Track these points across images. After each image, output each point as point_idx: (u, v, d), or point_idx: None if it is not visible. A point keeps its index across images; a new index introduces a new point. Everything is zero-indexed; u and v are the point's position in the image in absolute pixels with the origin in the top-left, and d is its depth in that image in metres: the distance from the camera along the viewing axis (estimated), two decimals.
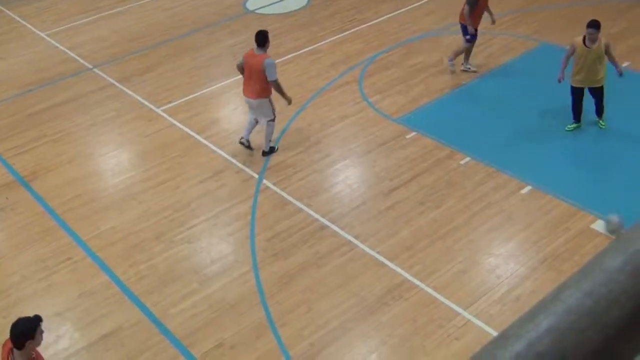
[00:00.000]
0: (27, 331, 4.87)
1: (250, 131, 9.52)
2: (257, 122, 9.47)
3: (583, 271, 1.05)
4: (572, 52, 9.27)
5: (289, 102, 9.45)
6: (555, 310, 0.98)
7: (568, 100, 10.09)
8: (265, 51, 9.17)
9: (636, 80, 10.77)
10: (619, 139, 9.38)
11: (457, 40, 12.20)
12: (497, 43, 12.05)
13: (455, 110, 10.35)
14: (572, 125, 9.65)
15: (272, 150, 9.57)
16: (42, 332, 4.97)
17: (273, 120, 9.36)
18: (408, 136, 9.70)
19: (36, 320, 4.93)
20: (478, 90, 10.79)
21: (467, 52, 11.10)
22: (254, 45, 9.21)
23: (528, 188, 8.51)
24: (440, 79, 11.07)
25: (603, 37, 9.22)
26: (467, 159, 9.12)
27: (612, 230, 7.20)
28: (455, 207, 8.31)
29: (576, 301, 0.99)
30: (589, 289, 1.01)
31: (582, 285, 1.02)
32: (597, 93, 9.45)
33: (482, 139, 9.57)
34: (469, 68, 11.19)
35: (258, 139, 9.59)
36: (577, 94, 9.44)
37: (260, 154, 9.47)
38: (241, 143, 9.53)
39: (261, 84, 9.02)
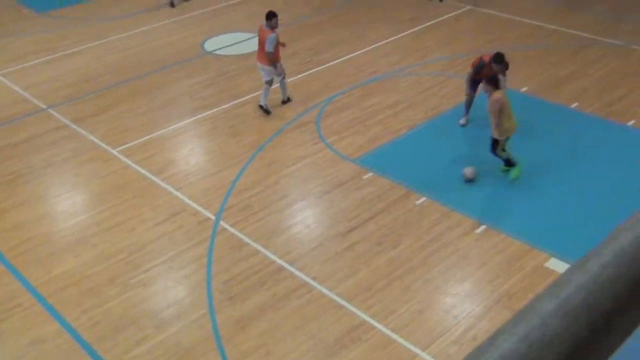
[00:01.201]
0: None
1: (266, 96, 11.47)
2: (271, 83, 11.42)
3: (518, 316, 1.06)
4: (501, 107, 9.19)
5: (278, 74, 11.30)
6: (490, 356, 0.99)
7: (517, 140, 10.32)
8: (272, 27, 11.09)
9: (585, 121, 11.10)
10: (569, 178, 9.60)
11: (414, 81, 12.47)
12: (451, 84, 12.31)
13: (411, 150, 10.49)
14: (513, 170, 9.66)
15: (289, 99, 11.84)
16: None
17: (284, 77, 11.57)
18: (365, 176, 9.78)
19: None
20: (433, 131, 10.97)
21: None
22: (264, 22, 11.07)
23: (482, 227, 8.63)
24: (396, 120, 11.23)
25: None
26: (423, 198, 9.22)
27: (468, 180, 9.52)
28: (412, 246, 8.36)
29: (510, 346, 1.00)
30: (524, 333, 1.02)
31: (517, 329, 1.03)
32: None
33: (437, 179, 9.70)
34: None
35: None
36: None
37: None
38: (260, 107, 11.51)
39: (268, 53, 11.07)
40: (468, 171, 9.60)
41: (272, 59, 11.08)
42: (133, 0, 17.24)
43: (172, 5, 16.79)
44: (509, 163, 9.63)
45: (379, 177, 9.74)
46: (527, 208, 9.06)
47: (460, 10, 15.77)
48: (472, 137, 10.76)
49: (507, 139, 9.41)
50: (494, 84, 9.17)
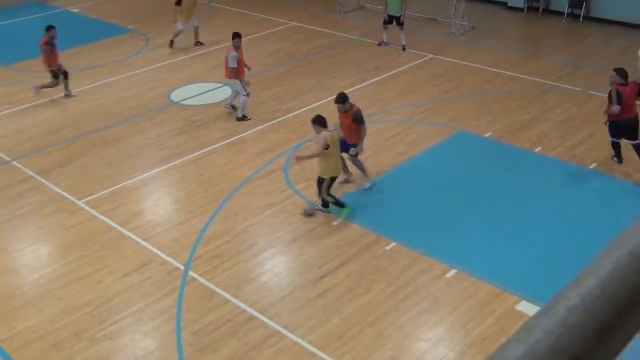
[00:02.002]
0: None
1: (233, 98, 13.30)
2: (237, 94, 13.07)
3: None
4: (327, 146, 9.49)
5: (243, 89, 12.85)
6: None
7: (484, 184, 10.52)
8: (235, 47, 12.82)
9: (549, 165, 11.34)
10: (536, 221, 9.75)
11: (380, 128, 12.63)
12: (416, 131, 12.51)
13: (379, 196, 10.56)
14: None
15: (244, 118, 13.07)
16: None
17: (247, 95, 12.91)
18: (335, 223, 9.79)
19: None
20: (401, 177, 11.08)
21: None
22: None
23: (453, 272, 8.67)
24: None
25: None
26: (394, 244, 9.25)
27: (306, 214, 9.99)
28: (384, 292, 8.34)
29: None
30: None
31: None
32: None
33: (406, 225, 9.76)
34: None
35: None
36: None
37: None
38: (240, 118, 13.00)
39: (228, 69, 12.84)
40: (307, 208, 10.04)
41: (236, 73, 12.82)
42: (97, 53, 17.27)
43: (171, 45, 17.18)
44: (326, 205, 9.94)
45: (348, 223, 9.76)
46: (496, 251, 9.15)
47: (422, 60, 16.13)
48: (441, 183, 10.89)
49: (331, 180, 9.76)
50: (324, 125, 9.63)
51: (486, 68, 15.50)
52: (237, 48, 12.83)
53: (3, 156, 12.10)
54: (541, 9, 19.46)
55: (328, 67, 15.84)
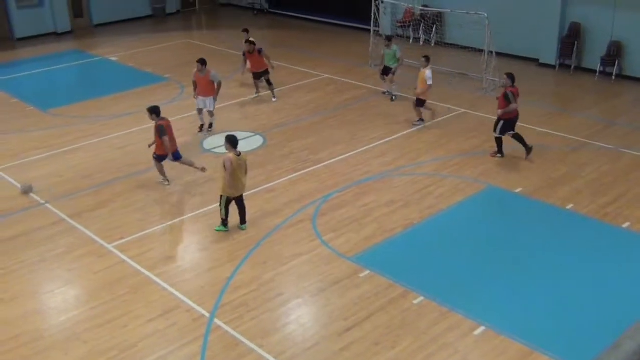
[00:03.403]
0: None
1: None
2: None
3: None
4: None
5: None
6: None
7: (514, 240, 10.39)
8: (207, 70, 14.89)
9: (581, 223, 11.18)
10: (568, 280, 9.56)
11: (409, 181, 12.62)
12: (447, 185, 12.47)
13: (408, 249, 10.48)
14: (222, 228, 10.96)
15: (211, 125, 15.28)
16: None
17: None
18: (362, 275, 9.72)
19: None
20: (430, 230, 11.01)
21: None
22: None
23: (481, 329, 8.50)
24: (392, 219, 11.28)
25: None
26: (421, 298, 9.13)
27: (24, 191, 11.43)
28: (410, 347, 8.19)
29: None
30: None
31: None
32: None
33: (434, 278, 9.64)
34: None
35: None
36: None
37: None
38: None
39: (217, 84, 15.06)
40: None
41: (215, 89, 14.94)
42: (133, 100, 17.66)
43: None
44: (225, 223, 10.92)
45: (375, 275, 9.68)
46: (526, 308, 8.96)
47: (453, 114, 16.19)
48: (470, 238, 10.78)
49: (228, 199, 10.71)
50: (235, 145, 10.58)
51: (517, 123, 15.46)
52: (209, 71, 14.95)
53: (37, 198, 12.31)
54: (573, 66, 19.49)
55: (359, 119, 15.97)
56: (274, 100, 17.45)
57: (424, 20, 22.37)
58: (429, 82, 14.92)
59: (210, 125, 15.41)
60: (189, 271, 9.98)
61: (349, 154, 13.95)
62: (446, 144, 14.36)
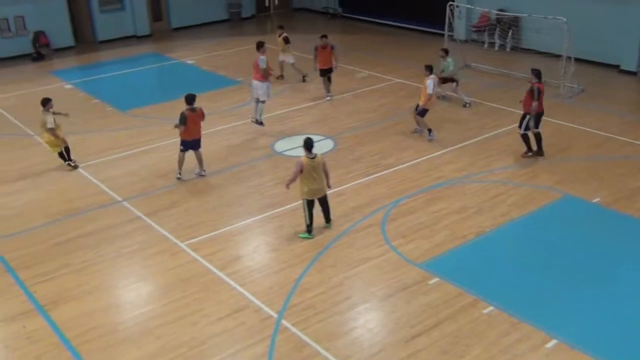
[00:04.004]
0: None
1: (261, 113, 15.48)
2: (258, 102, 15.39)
3: None
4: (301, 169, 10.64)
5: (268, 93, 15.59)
6: None
7: (590, 251, 10.06)
8: (262, 53, 15.32)
9: None
10: None
11: (481, 188, 12.42)
12: (520, 192, 12.19)
13: (479, 257, 10.31)
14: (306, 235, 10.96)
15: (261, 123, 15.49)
16: None
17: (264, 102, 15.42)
18: (431, 282, 9.61)
19: None
20: (502, 239, 10.79)
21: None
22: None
23: (553, 342, 8.26)
24: (463, 226, 11.12)
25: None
26: (491, 307, 8.96)
27: None
28: (479, 358, 8.05)
29: None
30: None
31: None
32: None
33: (506, 288, 9.44)
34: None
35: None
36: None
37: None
38: (256, 121, 15.32)
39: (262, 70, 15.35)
40: None
41: (265, 75, 15.22)
42: (208, 103, 18.02)
43: (303, 80, 19.38)
44: (309, 229, 10.97)
45: (445, 283, 9.56)
46: (601, 322, 8.66)
47: None
48: (544, 247, 10.51)
49: (309, 202, 10.79)
50: (308, 148, 10.70)
51: (595, 131, 15.01)
52: (264, 53, 15.34)
53: (115, 196, 12.75)
54: None
55: (430, 124, 15.80)
56: (327, 98, 17.85)
57: (500, 24, 21.98)
58: (429, 91, 14.55)
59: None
60: (258, 272, 10.12)
61: (420, 160, 13.83)
62: (520, 150, 14.04)
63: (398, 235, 10.90)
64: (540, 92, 13.26)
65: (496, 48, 22.14)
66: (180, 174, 13.33)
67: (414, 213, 11.63)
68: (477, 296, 9.21)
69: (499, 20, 21.93)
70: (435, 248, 10.51)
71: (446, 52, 17.03)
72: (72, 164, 14.14)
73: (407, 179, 13.01)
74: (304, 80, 19.45)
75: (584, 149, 14.14)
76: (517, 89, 17.81)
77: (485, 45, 22.45)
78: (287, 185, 10.91)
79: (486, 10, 21.65)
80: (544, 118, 13.77)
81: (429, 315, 8.89)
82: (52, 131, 13.72)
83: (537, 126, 13.51)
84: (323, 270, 10.02)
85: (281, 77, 19.62)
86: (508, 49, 21.65)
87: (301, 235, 10.98)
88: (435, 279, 9.65)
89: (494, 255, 10.38)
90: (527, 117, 13.49)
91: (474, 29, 22.97)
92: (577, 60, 17.85)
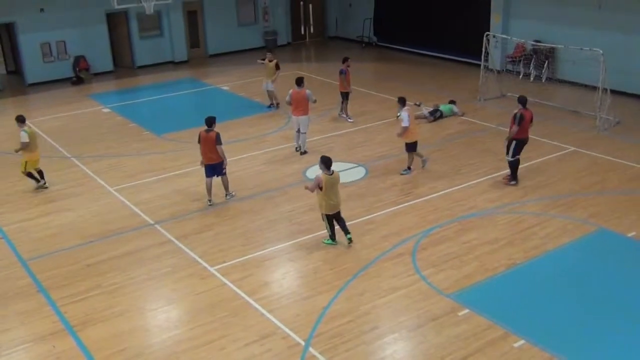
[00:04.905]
0: None
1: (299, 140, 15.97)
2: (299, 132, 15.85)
3: None
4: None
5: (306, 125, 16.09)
6: None
7: (625, 287, 9.84)
8: (304, 88, 15.90)
9: None
10: None
11: (514, 219, 12.27)
12: (554, 225, 12.01)
13: (510, 289, 10.14)
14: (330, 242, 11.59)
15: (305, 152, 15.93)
16: None
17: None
18: (460, 313, 9.48)
19: None
20: (534, 272, 10.61)
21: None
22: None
23: None
24: (494, 257, 10.98)
25: None
26: (522, 341, 8.78)
27: None
28: None
29: None
30: None
31: None
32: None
33: (537, 322, 9.26)
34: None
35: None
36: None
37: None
38: (299, 150, 16.04)
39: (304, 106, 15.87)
40: None
41: (308, 109, 15.80)
42: (242, 128, 18.24)
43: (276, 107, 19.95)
44: (332, 237, 11.58)
45: (475, 314, 9.42)
46: (636, 359, 8.43)
47: (562, 152, 15.64)
48: (577, 281, 10.31)
49: (328, 216, 11.39)
50: (328, 166, 11.16)
51: (632, 164, 14.75)
52: (306, 89, 15.97)
53: (147, 218, 12.89)
54: None
55: (463, 154, 15.74)
56: (350, 120, 18.43)
57: (536, 55, 21.87)
58: (404, 124, 14.20)
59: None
60: (287, 298, 10.10)
61: (452, 189, 13.74)
62: (555, 182, 13.86)
63: (428, 265, 10.80)
64: (522, 118, 13.39)
65: (532, 79, 22.01)
66: (210, 200, 13.44)
67: (445, 243, 11.52)
68: (507, 329, 9.04)
69: (535, 51, 21.83)
70: (466, 279, 10.38)
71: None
72: (42, 183, 14.62)
73: (438, 208, 12.91)
74: (276, 107, 20.07)
75: (620, 182, 13.89)
76: (552, 119, 17.71)
77: (521, 76, 22.34)
78: (307, 188, 11.57)
79: (522, 41, 21.57)
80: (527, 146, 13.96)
81: (458, 347, 8.75)
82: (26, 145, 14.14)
83: (516, 153, 13.64)
84: (351, 299, 9.96)
85: (275, 105, 20.12)
86: (544, 80, 21.51)
87: (326, 242, 11.60)
88: (466, 311, 9.52)
89: (525, 287, 10.20)
90: (513, 142, 13.60)
91: (509, 60, 22.89)
92: (613, 92, 17.63)
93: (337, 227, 11.62)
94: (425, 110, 18.49)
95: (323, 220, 11.56)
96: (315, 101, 16.27)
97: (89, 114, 20.69)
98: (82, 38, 25.00)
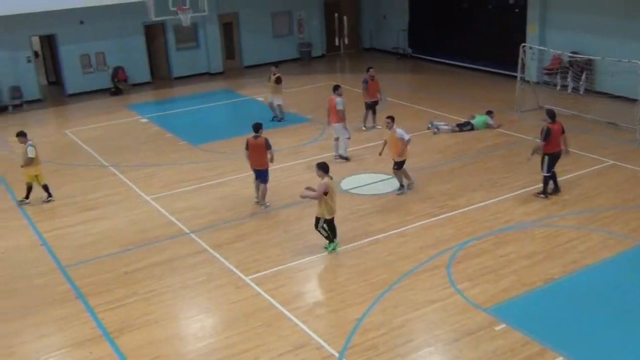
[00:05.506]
0: None
1: (345, 148, 16.25)
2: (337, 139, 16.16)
3: None
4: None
5: (345, 133, 16.22)
6: None
7: None
8: (339, 95, 16.15)
9: None
10: None
11: (552, 233, 12.09)
12: (593, 239, 11.79)
13: (547, 305, 9.97)
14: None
15: (347, 159, 16.17)
16: None
17: (348, 138, 16.23)
18: (497, 328, 9.35)
19: None
20: (573, 287, 10.43)
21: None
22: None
23: None
24: (532, 271, 10.81)
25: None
26: (560, 358, 8.62)
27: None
28: None
29: None
30: None
31: None
32: None
33: (575, 338, 9.09)
34: None
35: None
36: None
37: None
38: (340, 156, 16.23)
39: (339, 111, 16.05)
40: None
41: (342, 117, 15.83)
42: (276, 139, 18.28)
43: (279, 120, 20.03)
44: (330, 239, 11.67)
45: (512, 330, 9.27)
46: None
47: (601, 165, 15.38)
48: (618, 297, 10.09)
49: (330, 220, 11.50)
50: (327, 171, 11.35)
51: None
52: (340, 95, 16.06)
53: (183, 227, 13.01)
54: None
55: (499, 166, 15.58)
56: (378, 127, 18.39)
57: (573, 67, 21.59)
58: (406, 138, 13.92)
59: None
60: (320, 309, 10.08)
61: (489, 202, 13.59)
62: (594, 196, 13.63)
63: (464, 278, 10.69)
64: (549, 132, 13.18)
65: (569, 91, 21.72)
66: (256, 197, 13.89)
67: (481, 256, 11.39)
68: (545, 345, 8.88)
69: (571, 63, 21.55)
70: (503, 293, 10.24)
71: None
72: (27, 201, 14.65)
73: (475, 220, 12.79)
74: (279, 120, 20.15)
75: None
76: (590, 132, 17.45)
77: (558, 88, 22.06)
78: (303, 197, 11.71)
79: (559, 52, 21.32)
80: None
81: None
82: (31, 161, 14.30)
83: (550, 168, 13.43)
84: (386, 311, 9.90)
85: (280, 119, 20.21)
86: (581, 92, 21.22)
87: (330, 249, 11.68)
88: (502, 326, 9.38)
89: (563, 303, 10.02)
90: (545, 157, 13.40)
91: (546, 72, 22.62)
92: None
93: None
94: (446, 126, 18.35)
95: (320, 228, 11.53)
96: (340, 110, 15.97)
97: (127, 124, 21.02)
98: (120, 49, 25.44)
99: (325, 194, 11.24)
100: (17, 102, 23.64)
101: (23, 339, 9.67)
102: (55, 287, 11.05)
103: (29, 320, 10.12)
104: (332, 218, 11.54)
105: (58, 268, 11.69)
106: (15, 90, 23.62)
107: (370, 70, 18.70)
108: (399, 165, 14.21)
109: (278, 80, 19.94)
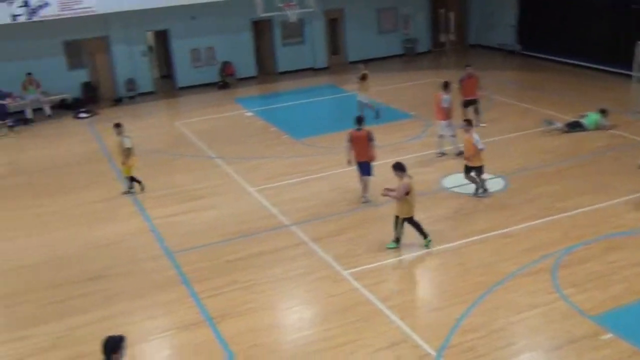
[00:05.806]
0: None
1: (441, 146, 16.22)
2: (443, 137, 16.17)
3: None
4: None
5: (451, 130, 16.03)
6: None
7: None
8: (447, 92, 16.09)
9: None
10: None
11: None
12: None
13: None
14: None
15: (460, 153, 15.43)
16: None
17: (454, 135, 16.02)
18: (603, 337, 8.94)
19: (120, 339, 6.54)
20: None
21: None
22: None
23: None
24: None
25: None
26: None
27: None
28: None
29: None
30: None
31: None
32: None
33: None
34: None
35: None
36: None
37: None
38: (442, 153, 16.16)
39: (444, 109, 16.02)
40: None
41: (447, 114, 15.76)
42: (380, 135, 18.24)
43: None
44: (398, 240, 11.65)
45: (619, 340, 8.85)
46: None
47: None
48: None
49: (410, 219, 11.46)
50: (405, 170, 11.33)
51: None
52: (448, 93, 16.02)
53: (284, 220, 13.27)
54: None
55: (610, 169, 14.86)
56: (483, 125, 17.82)
57: None
58: (480, 147, 13.37)
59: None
60: (419, 307, 10.02)
61: (599, 205, 13.00)
62: None
63: (569, 284, 10.29)
64: None
65: None
66: (364, 197, 13.87)
67: (589, 262, 10.93)
68: None
69: None
70: (610, 301, 9.78)
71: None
72: (132, 190, 15.18)
73: (583, 224, 12.27)
74: (376, 117, 19.66)
75: None
76: None
77: None
78: (385, 195, 11.74)
79: None
80: None
81: None
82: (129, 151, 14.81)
83: None
84: (485, 313, 9.69)
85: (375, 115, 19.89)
86: None
87: (391, 246, 11.66)
88: (609, 335, 8.96)
89: None
90: None
91: None
92: None
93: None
94: (559, 124, 17.67)
95: (397, 227, 11.55)
96: (445, 108, 15.90)
97: (233, 117, 21.64)
98: (229, 45, 26.19)
99: (407, 193, 11.21)
100: (131, 94, 24.88)
101: (133, 319, 10.20)
102: (163, 272, 11.55)
103: (140, 302, 10.65)
104: (412, 217, 11.51)
105: (165, 254, 12.21)
106: (130, 83, 24.88)
107: (468, 68, 18.31)
108: (468, 170, 13.83)
109: (363, 78, 19.87)
